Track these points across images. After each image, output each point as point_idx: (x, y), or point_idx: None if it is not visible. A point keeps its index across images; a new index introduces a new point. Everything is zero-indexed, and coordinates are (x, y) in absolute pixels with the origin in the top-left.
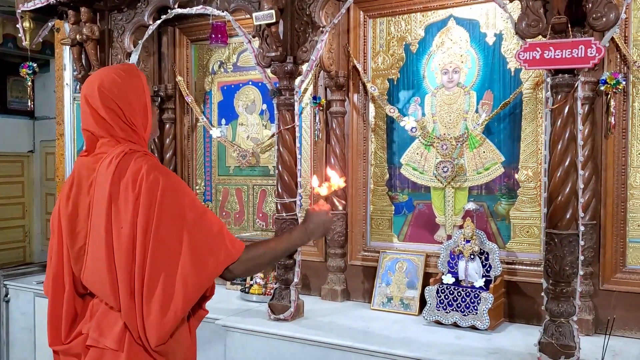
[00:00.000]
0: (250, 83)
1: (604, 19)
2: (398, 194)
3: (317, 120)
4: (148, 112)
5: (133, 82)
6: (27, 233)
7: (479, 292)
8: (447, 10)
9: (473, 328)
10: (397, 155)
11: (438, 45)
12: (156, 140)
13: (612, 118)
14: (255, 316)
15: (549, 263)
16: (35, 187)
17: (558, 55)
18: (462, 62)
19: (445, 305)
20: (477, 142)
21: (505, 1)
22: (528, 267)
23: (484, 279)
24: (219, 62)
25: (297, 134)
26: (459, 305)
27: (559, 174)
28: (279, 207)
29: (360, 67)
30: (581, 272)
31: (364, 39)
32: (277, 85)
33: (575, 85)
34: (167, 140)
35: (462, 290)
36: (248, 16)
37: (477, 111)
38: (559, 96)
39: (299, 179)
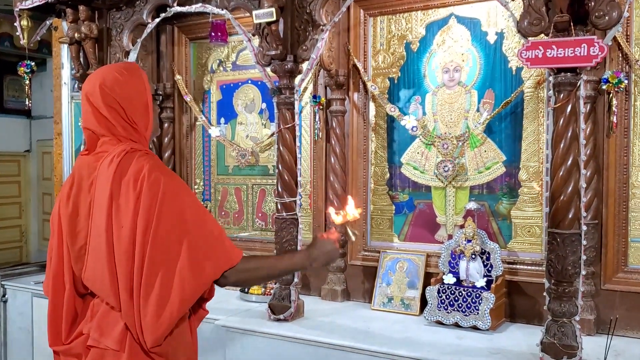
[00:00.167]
0: (249, 82)
1: (606, 18)
2: (398, 193)
3: (317, 119)
4: (149, 111)
5: (135, 80)
6: (24, 233)
7: (481, 292)
8: (448, 8)
9: (474, 328)
10: (397, 154)
11: (439, 43)
12: (155, 139)
13: (614, 117)
14: (255, 316)
15: (552, 263)
16: (32, 186)
17: (561, 53)
18: (463, 60)
19: (446, 305)
20: (478, 141)
21: None
22: (529, 267)
23: (485, 279)
24: (218, 61)
25: (297, 133)
26: (460, 305)
27: (561, 173)
28: (279, 207)
29: (360, 66)
30: (583, 272)
31: (364, 38)
32: (277, 84)
33: (578, 84)
34: (166, 139)
35: (464, 290)
36: (247, 14)
37: (478, 110)
38: (562, 95)
39: (299, 178)
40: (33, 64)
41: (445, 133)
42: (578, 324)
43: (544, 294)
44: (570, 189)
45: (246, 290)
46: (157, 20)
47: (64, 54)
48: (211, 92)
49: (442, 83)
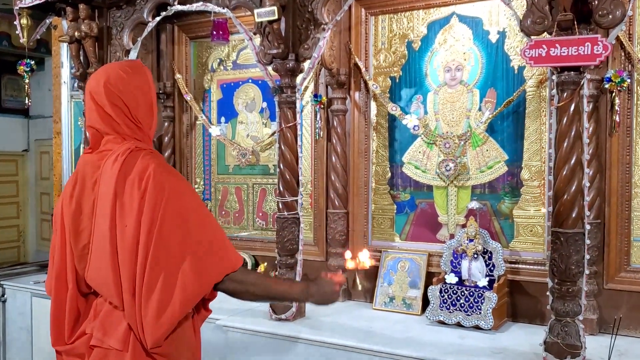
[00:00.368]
0: (250, 81)
1: (610, 16)
2: (400, 192)
3: (318, 119)
4: (154, 109)
5: (139, 78)
6: (22, 233)
7: (483, 291)
8: (449, 7)
9: (477, 328)
10: (399, 153)
11: (441, 42)
12: (155, 138)
13: (617, 116)
14: (257, 316)
15: (555, 262)
16: (30, 186)
17: (564, 52)
18: (465, 59)
19: (448, 304)
20: (480, 140)
21: None
22: (531, 267)
23: (487, 278)
24: (218, 60)
25: (298, 132)
26: (462, 304)
27: (564, 172)
28: (281, 206)
29: (361, 65)
30: (587, 271)
31: (366, 36)
32: (279, 82)
33: (582, 82)
34: (166, 138)
35: (466, 289)
36: (248, 13)
37: (480, 109)
38: (565, 94)
39: (300, 178)
40: (33, 62)
41: (447, 132)
42: (581, 324)
43: (547, 293)
44: (573, 188)
45: None
46: (158, 18)
47: (63, 53)
48: (211, 91)
49: (444, 82)
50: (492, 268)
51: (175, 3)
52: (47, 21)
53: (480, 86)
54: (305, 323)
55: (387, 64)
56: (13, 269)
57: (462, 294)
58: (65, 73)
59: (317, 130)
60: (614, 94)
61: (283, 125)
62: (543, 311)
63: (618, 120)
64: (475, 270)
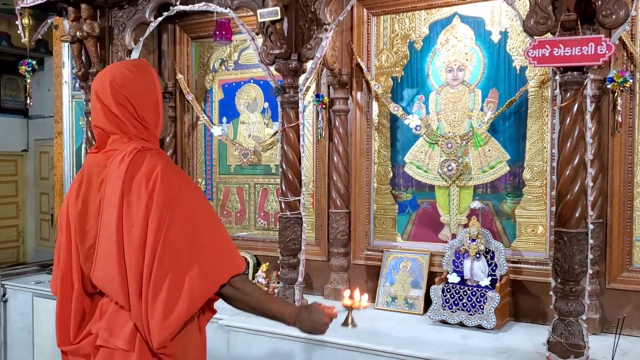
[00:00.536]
0: (251, 81)
1: (613, 16)
2: (402, 192)
3: (319, 119)
4: (160, 109)
5: (145, 77)
6: (21, 232)
7: (485, 291)
8: (451, 7)
9: (479, 327)
10: (400, 153)
11: (443, 43)
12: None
13: (619, 116)
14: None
15: (558, 262)
16: (29, 186)
17: (567, 52)
18: (467, 60)
19: (451, 304)
20: (482, 140)
21: None
22: (533, 266)
23: (489, 278)
24: (220, 60)
25: (301, 132)
26: (464, 304)
27: (567, 172)
28: (283, 206)
29: (363, 65)
30: (590, 271)
31: (368, 37)
32: (281, 83)
33: (585, 82)
34: (168, 138)
35: (468, 289)
36: (250, 13)
37: (482, 109)
38: (568, 94)
39: (302, 178)
40: (34, 62)
41: (449, 132)
42: (585, 323)
43: (550, 293)
44: (577, 187)
45: None
46: (160, 19)
47: (64, 53)
48: (213, 91)
49: (446, 82)
50: (494, 268)
51: (178, 3)
52: (49, 21)
53: (482, 86)
54: None
55: (389, 64)
56: (14, 268)
57: (465, 293)
58: (67, 73)
59: (319, 130)
60: (616, 94)
61: (286, 125)
62: (545, 311)
63: (620, 121)
64: (477, 270)
